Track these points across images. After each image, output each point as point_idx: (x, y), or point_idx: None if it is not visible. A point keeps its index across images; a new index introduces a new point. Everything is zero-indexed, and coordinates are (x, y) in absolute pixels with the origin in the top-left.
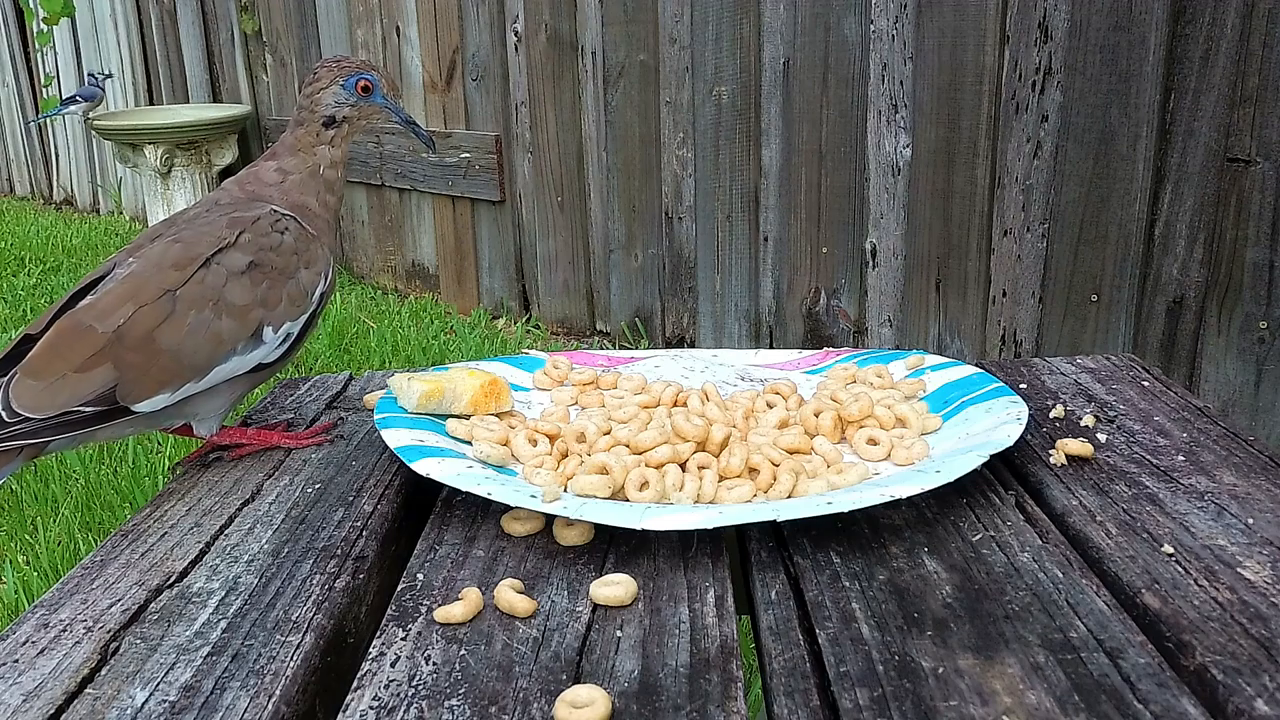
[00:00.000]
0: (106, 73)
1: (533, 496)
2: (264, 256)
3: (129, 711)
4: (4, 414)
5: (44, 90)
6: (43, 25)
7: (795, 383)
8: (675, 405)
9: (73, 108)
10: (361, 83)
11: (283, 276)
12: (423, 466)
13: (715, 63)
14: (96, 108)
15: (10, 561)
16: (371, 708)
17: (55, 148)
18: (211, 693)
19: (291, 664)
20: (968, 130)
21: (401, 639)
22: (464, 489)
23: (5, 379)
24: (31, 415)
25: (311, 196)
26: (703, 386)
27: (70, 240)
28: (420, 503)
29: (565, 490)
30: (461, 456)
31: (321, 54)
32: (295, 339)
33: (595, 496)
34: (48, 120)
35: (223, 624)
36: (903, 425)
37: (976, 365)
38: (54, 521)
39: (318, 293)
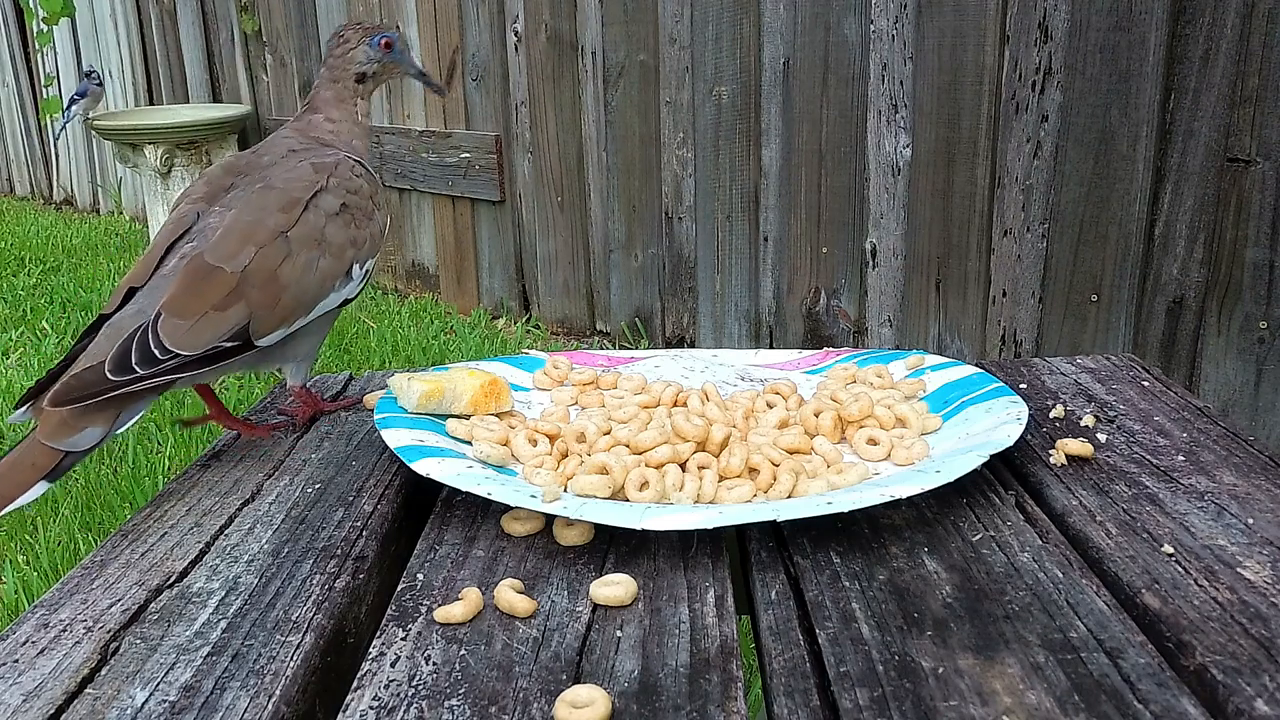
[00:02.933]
0: (90, 70)
1: (533, 496)
2: (351, 199)
3: (129, 711)
4: (158, 351)
5: (44, 90)
6: (43, 25)
7: (795, 383)
8: (675, 405)
9: (73, 109)
10: (384, 40)
11: (365, 217)
12: (423, 466)
13: (715, 63)
14: (96, 104)
15: (10, 561)
16: (371, 708)
17: (55, 148)
18: (211, 693)
19: (291, 664)
20: (968, 130)
21: (401, 639)
22: (464, 489)
23: (152, 318)
24: (182, 352)
25: (360, 141)
26: (703, 386)
27: (70, 240)
28: (420, 503)
29: (565, 490)
30: (461, 456)
31: (321, 54)
32: (369, 272)
33: (595, 496)
34: (66, 126)
35: (223, 624)
36: (903, 425)
37: (976, 365)
38: (54, 521)
39: (384, 230)
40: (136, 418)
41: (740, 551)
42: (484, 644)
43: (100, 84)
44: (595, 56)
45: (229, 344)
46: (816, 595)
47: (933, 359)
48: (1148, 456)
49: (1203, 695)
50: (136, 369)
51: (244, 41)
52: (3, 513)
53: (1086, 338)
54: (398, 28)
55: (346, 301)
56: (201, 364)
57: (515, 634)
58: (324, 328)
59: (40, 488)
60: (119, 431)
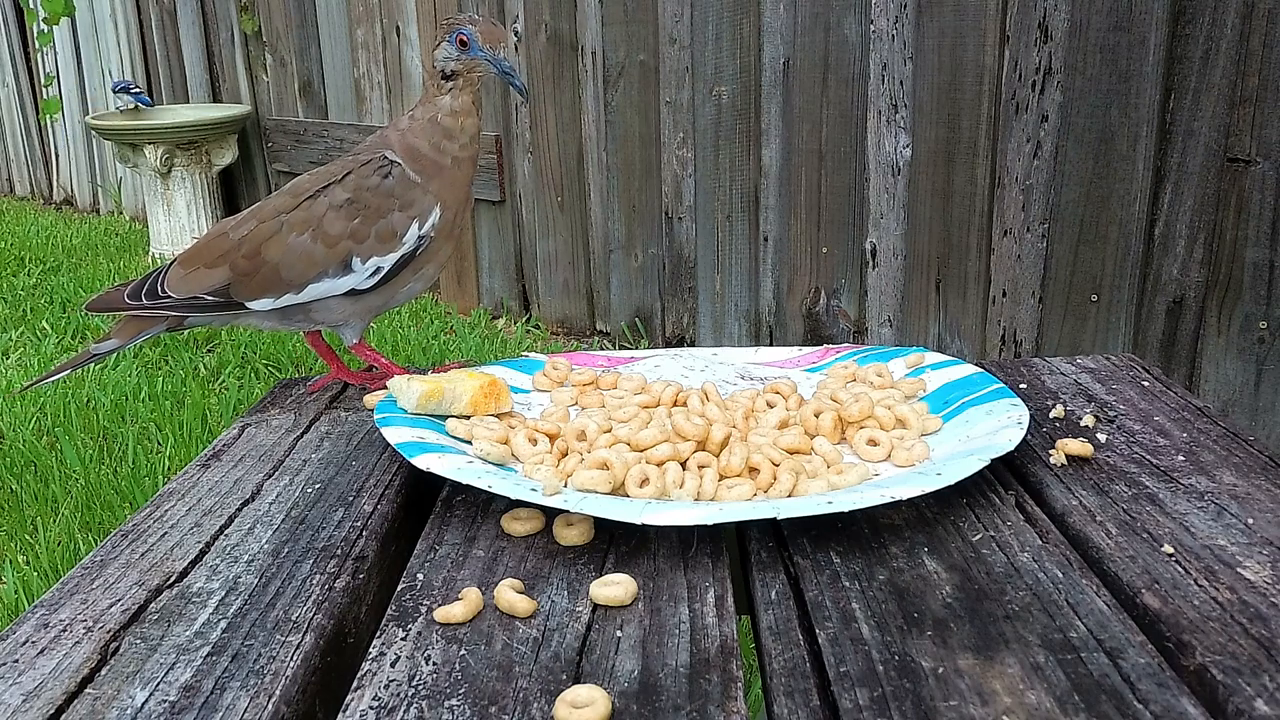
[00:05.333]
0: (126, 84)
1: (533, 490)
2: (360, 195)
3: (129, 711)
4: (159, 290)
5: (44, 90)
6: (43, 26)
7: (795, 382)
8: (675, 405)
9: (127, 98)
10: (459, 37)
11: (375, 215)
12: (423, 461)
13: (715, 63)
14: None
15: (10, 561)
16: (371, 708)
17: (55, 148)
18: (211, 693)
19: (291, 664)
20: (968, 130)
21: (401, 639)
22: (464, 482)
23: (169, 263)
24: (172, 295)
25: (424, 140)
26: (703, 386)
27: (70, 240)
28: (420, 503)
29: (565, 486)
30: (462, 453)
31: (321, 54)
32: (389, 273)
33: (595, 491)
34: (133, 99)
35: (223, 624)
36: (903, 426)
37: (977, 365)
38: (54, 521)
39: (410, 233)
40: (147, 337)
41: (740, 551)
42: (484, 644)
43: (133, 90)
44: (595, 56)
45: (211, 298)
46: (816, 595)
47: (933, 357)
48: (1148, 456)
49: (1203, 695)
50: (142, 299)
51: (244, 41)
52: (33, 385)
53: (1086, 338)
54: (472, 23)
55: (358, 292)
56: (192, 309)
57: (515, 634)
58: (344, 308)
59: (63, 373)
60: (130, 346)
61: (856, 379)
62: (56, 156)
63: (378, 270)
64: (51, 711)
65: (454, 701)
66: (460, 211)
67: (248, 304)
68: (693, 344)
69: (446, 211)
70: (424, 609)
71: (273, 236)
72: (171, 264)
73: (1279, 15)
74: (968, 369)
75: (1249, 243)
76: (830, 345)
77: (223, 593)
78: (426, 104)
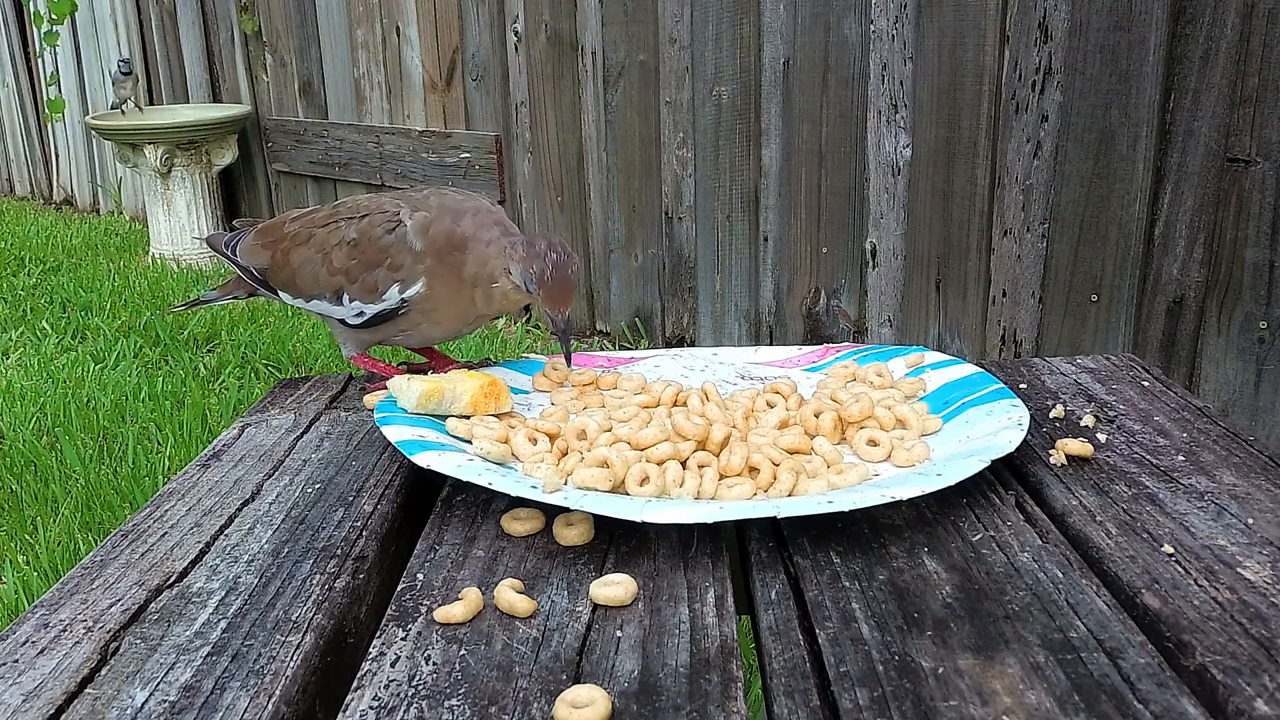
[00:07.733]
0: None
1: (533, 488)
2: (362, 241)
3: (129, 711)
4: (235, 249)
5: (45, 90)
6: (51, 27)
7: (795, 382)
8: (675, 405)
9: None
10: (537, 278)
11: (366, 265)
12: (423, 459)
13: (715, 63)
14: (121, 92)
15: (10, 561)
16: (371, 708)
17: (55, 148)
18: (211, 693)
19: (291, 664)
20: (968, 130)
21: (401, 639)
22: (465, 479)
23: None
24: (238, 260)
25: (474, 266)
26: (703, 386)
27: (70, 240)
28: (420, 503)
29: (565, 484)
30: (462, 452)
31: (321, 54)
32: (370, 320)
33: (596, 489)
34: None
35: (223, 624)
36: (903, 427)
37: (977, 365)
38: (54, 521)
39: (391, 293)
40: (229, 299)
41: (740, 551)
42: (484, 644)
43: (127, 73)
44: (595, 56)
45: (256, 274)
46: (816, 595)
47: (933, 356)
48: (1148, 456)
49: (1203, 695)
50: (225, 248)
51: (244, 41)
52: (180, 309)
53: (1086, 338)
54: (554, 279)
55: (348, 324)
56: (247, 280)
57: (515, 634)
58: (340, 329)
59: (183, 309)
60: (220, 302)
61: (856, 379)
62: (56, 156)
63: (361, 313)
64: (51, 711)
65: (454, 701)
66: (448, 322)
67: (279, 291)
68: (693, 344)
69: (433, 298)
70: (424, 609)
71: (303, 245)
72: (253, 229)
73: (1279, 15)
74: (968, 369)
75: (1249, 243)
76: (830, 345)
77: (223, 593)
78: (497, 264)
